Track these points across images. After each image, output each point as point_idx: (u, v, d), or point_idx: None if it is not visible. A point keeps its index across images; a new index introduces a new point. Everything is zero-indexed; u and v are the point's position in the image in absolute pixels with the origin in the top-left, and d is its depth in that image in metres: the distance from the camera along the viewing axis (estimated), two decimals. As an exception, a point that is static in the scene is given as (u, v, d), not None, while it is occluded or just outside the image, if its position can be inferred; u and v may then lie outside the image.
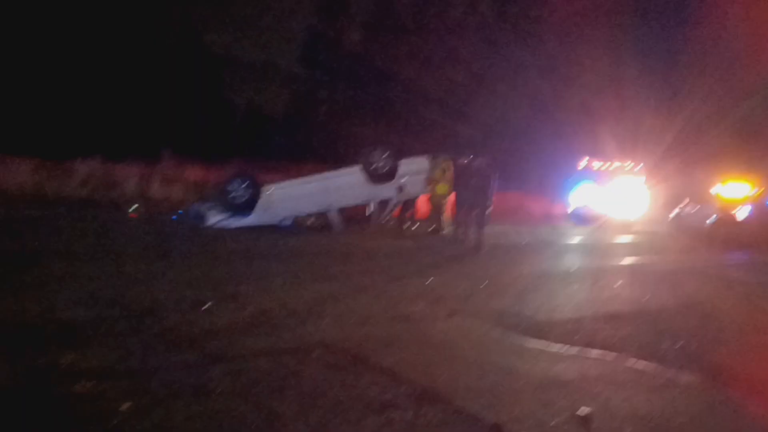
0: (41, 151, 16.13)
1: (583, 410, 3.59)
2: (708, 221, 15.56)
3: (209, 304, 5.56)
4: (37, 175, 15.81)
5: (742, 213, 14.57)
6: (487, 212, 11.53)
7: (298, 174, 14.66)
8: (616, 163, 21.02)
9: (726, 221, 14.81)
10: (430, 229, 14.27)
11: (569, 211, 20.41)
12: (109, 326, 4.70)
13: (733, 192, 15.59)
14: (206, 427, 3.07)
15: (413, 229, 14.94)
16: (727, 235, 14.53)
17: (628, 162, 20.95)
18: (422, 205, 15.51)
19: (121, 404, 3.24)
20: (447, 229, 13.78)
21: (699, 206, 16.66)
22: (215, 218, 12.44)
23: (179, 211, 8.09)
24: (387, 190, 13.31)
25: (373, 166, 12.93)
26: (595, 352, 4.87)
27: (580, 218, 19.52)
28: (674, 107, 24.44)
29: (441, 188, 13.90)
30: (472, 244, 11.44)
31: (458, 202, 12.45)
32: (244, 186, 12.39)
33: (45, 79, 18.86)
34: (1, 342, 4.17)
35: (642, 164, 20.96)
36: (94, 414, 3.13)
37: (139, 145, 17.83)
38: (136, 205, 8.19)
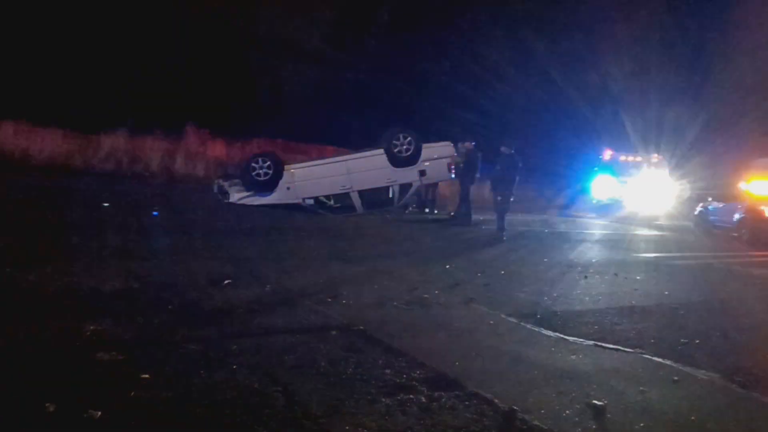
0: (68, 123, 16.33)
1: (597, 401, 3.59)
2: (734, 217, 15.28)
3: (229, 280, 5.63)
4: (65, 146, 16.02)
5: (770, 210, 14.27)
6: (510, 200, 11.47)
7: (321, 155, 14.69)
8: (640, 156, 20.76)
9: (753, 218, 14.53)
10: (451, 214, 14.26)
11: (592, 202, 20.21)
12: (131, 299, 4.78)
13: (761, 189, 15.28)
14: (224, 399, 3.12)
15: (435, 213, 14.95)
16: (754, 232, 14.27)
17: (653, 155, 20.67)
18: (443, 190, 15.49)
19: (141, 374, 3.30)
20: (470, 215, 13.77)
21: (725, 202, 16.37)
22: (237, 195, 12.55)
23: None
24: (409, 174, 13.28)
25: (396, 150, 12.90)
26: (611, 346, 4.84)
27: (603, 210, 19.34)
28: (700, 100, 24.00)
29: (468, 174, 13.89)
30: (492, 232, 11.39)
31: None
32: (266, 165, 12.45)
33: (73, 52, 19.02)
34: (27, 310, 4.26)
35: (666, 158, 20.68)
36: (115, 382, 3.19)
37: (164, 121, 17.96)
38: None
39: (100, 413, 2.80)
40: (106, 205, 8.20)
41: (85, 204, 10.15)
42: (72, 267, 5.55)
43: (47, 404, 2.82)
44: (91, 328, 3.94)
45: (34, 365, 3.33)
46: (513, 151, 11.52)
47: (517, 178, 11.55)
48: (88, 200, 10.79)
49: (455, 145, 13.69)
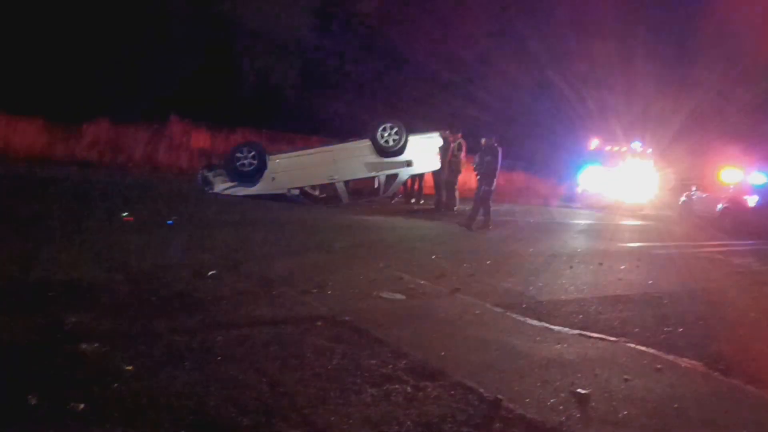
0: (49, 114, 16.11)
1: (582, 390, 3.61)
2: (717, 207, 15.45)
3: (213, 271, 5.59)
4: (45, 137, 15.82)
5: (752, 200, 14.45)
6: (492, 189, 11.51)
7: (307, 145, 14.62)
8: (626, 146, 20.88)
9: (736, 208, 14.71)
10: (435, 205, 14.29)
11: (577, 192, 20.32)
12: (114, 290, 4.74)
13: (744, 179, 15.47)
14: (208, 392, 3.09)
15: (420, 203, 14.96)
16: (736, 222, 14.45)
17: (638, 144, 20.80)
18: (429, 180, 15.49)
19: (124, 366, 3.27)
20: (457, 206, 13.82)
21: (708, 192, 16.55)
22: (222, 186, 12.46)
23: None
24: (395, 165, 13.26)
25: (383, 140, 12.87)
26: (595, 334, 4.87)
27: (588, 200, 19.46)
28: (685, 90, 24.18)
29: (458, 165, 13.93)
30: (478, 222, 11.44)
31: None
32: (251, 155, 12.36)
33: (53, 41, 18.74)
34: (9, 300, 4.20)
35: (651, 148, 20.82)
36: (98, 374, 3.16)
37: (146, 111, 17.78)
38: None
39: (82, 405, 2.77)
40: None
41: (66, 195, 10.03)
42: (54, 258, 5.48)
43: (29, 396, 2.78)
44: (73, 320, 3.90)
45: (15, 357, 3.29)
46: (495, 143, 11.55)
47: (498, 167, 11.60)
48: (69, 191, 10.67)
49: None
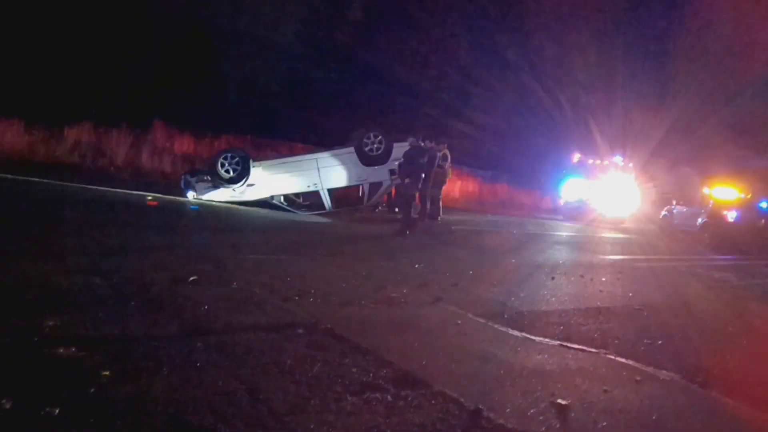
0: (31, 116, 15.93)
1: (562, 400, 3.62)
2: (698, 221, 15.65)
3: (194, 277, 5.53)
4: (27, 139, 15.63)
5: (731, 215, 14.66)
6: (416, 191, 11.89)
7: (290, 152, 14.59)
8: (608, 160, 21.11)
9: (715, 223, 14.91)
10: (419, 215, 14.31)
11: (559, 205, 20.49)
12: (92, 294, 4.67)
13: (724, 194, 15.69)
14: (186, 398, 3.05)
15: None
16: (716, 236, 14.64)
17: (619, 159, 21.05)
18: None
19: (102, 371, 3.22)
20: (441, 216, 13.86)
21: (689, 206, 16.76)
22: (204, 191, 12.39)
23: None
24: (379, 173, 13.27)
25: (367, 148, 12.88)
26: (576, 346, 4.90)
27: (570, 213, 19.61)
28: (664, 105, 24.54)
29: (443, 175, 14.01)
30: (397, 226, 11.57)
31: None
32: (234, 161, 12.31)
33: (39, 44, 18.57)
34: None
35: (632, 162, 21.07)
36: (75, 379, 3.11)
37: (130, 115, 17.65)
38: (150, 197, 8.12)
39: (58, 410, 2.72)
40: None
41: (47, 199, 9.91)
42: (32, 262, 5.39)
43: (3, 400, 2.72)
44: (50, 323, 3.83)
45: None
46: (422, 143, 11.75)
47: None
48: (50, 195, 10.55)
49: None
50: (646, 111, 24.71)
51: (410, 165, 11.49)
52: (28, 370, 3.18)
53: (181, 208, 11.27)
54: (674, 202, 17.84)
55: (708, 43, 24.14)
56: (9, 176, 11.55)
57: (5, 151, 14.89)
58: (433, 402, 3.41)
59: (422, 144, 12.59)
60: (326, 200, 13.04)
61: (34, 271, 5.06)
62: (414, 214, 11.61)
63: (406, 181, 11.48)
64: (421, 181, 11.70)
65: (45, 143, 15.92)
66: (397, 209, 15.21)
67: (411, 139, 12.35)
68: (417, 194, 12.43)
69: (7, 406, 2.70)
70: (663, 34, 26.57)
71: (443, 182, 14.22)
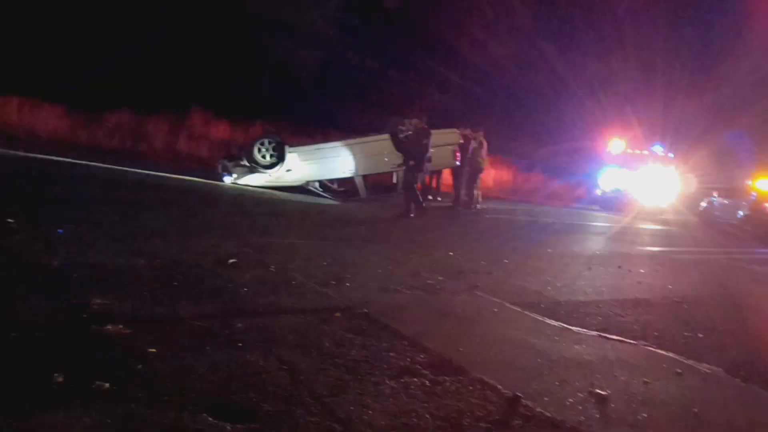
0: (73, 100, 16.30)
1: (601, 391, 3.60)
2: (739, 214, 15.27)
3: (234, 260, 5.62)
4: (68, 123, 16.02)
5: (773, 208, 14.27)
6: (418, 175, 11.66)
7: (325, 139, 14.66)
8: (647, 149, 20.70)
9: (758, 215, 14.52)
10: (453, 203, 14.26)
11: (598, 194, 20.18)
12: (137, 275, 4.78)
13: (767, 186, 15.26)
14: (229, 376, 3.12)
15: (438, 200, 14.94)
16: (758, 228, 14.27)
17: (659, 148, 20.61)
18: (447, 177, 15.47)
19: (148, 348, 3.31)
20: (479, 204, 13.80)
21: (730, 198, 16.35)
22: (241, 175, 12.55)
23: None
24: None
25: (402, 135, 12.85)
26: (615, 337, 4.84)
27: (609, 203, 19.31)
28: (708, 94, 23.86)
29: (478, 162, 13.91)
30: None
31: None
32: (271, 146, 12.44)
33: (79, 30, 18.92)
34: (36, 283, 4.27)
35: (673, 152, 20.62)
36: (123, 355, 3.20)
37: (169, 101, 17.92)
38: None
39: (108, 384, 2.81)
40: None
41: (90, 181, 10.16)
42: (78, 241, 5.55)
43: (55, 375, 2.82)
44: (98, 302, 3.95)
45: (41, 337, 3.33)
46: (426, 125, 11.50)
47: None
48: (90, 178, 10.80)
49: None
50: (688, 99, 24.08)
51: (415, 147, 11.37)
52: (78, 346, 3.29)
53: (218, 191, 11.42)
54: (715, 194, 17.43)
55: (756, 26, 23.31)
56: (54, 158, 11.87)
57: (49, 134, 15.29)
58: (470, 388, 3.42)
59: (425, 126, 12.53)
60: (361, 187, 13.08)
61: (79, 252, 5.21)
62: (418, 198, 11.46)
63: (411, 163, 11.39)
64: (425, 163, 11.51)
65: (86, 128, 16.32)
66: (430, 197, 15.19)
67: (415, 120, 12.10)
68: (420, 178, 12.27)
69: (60, 379, 2.80)
70: (708, 17, 25.81)
71: (479, 170, 14.12)
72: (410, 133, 12.70)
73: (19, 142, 14.03)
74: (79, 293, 4.09)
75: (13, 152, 12.37)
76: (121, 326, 3.54)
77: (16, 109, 16.01)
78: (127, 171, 12.12)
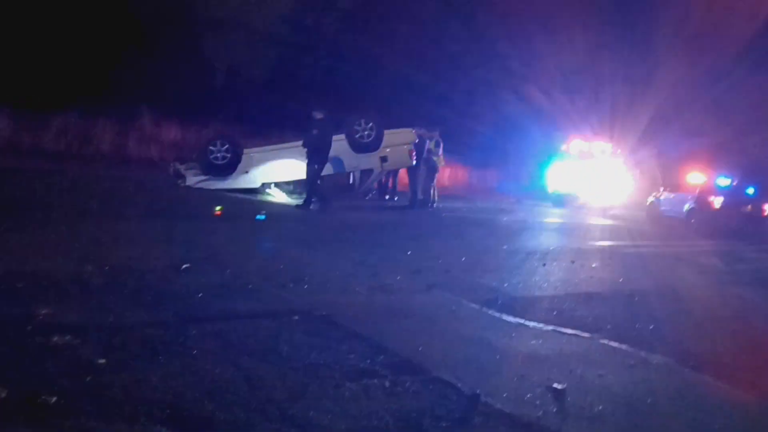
0: (16, 102, 15.67)
1: (558, 385, 3.64)
2: (684, 208, 15.76)
3: (187, 265, 5.50)
4: (12, 125, 15.40)
5: (717, 201, 14.77)
6: (323, 167, 11.79)
7: (280, 140, 14.50)
8: (596, 145, 21.14)
9: (702, 209, 15.02)
10: (410, 203, 14.30)
11: (548, 191, 20.51)
12: (86, 282, 4.62)
13: (710, 180, 15.80)
14: (183, 386, 3.04)
15: (395, 200, 14.95)
16: (703, 222, 14.75)
17: (608, 144, 21.09)
18: (403, 177, 15.49)
19: (97, 359, 3.20)
20: (435, 203, 13.88)
21: (676, 193, 16.86)
22: (194, 179, 12.28)
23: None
24: (370, 160, 13.23)
25: (358, 135, 12.82)
26: (569, 331, 4.92)
27: (559, 199, 19.66)
28: (651, 90, 24.53)
29: (434, 162, 13.98)
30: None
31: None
32: (224, 148, 12.21)
33: (22, 29, 18.23)
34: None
35: (620, 148, 21.12)
36: (70, 367, 3.08)
37: (116, 102, 17.41)
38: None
39: (54, 399, 2.69)
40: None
41: (36, 186, 9.78)
42: (23, 250, 5.34)
43: (-2, 390, 2.70)
44: (44, 311, 3.79)
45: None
46: (324, 117, 11.46)
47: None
48: (38, 182, 10.40)
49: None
50: (635, 95, 24.70)
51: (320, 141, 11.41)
52: (23, 358, 3.15)
53: (171, 194, 11.15)
54: (661, 189, 17.93)
55: (696, 25, 24.08)
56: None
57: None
58: (430, 387, 3.42)
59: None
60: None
61: (23, 260, 5.00)
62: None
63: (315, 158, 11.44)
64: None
65: (30, 130, 15.70)
66: (387, 196, 15.21)
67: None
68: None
69: (3, 395, 2.67)
70: (651, 16, 26.52)
71: (435, 169, 14.19)
72: (371, 133, 12.71)
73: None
74: (24, 303, 3.92)
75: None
76: (69, 336, 3.41)
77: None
78: (72, 174, 11.72)
